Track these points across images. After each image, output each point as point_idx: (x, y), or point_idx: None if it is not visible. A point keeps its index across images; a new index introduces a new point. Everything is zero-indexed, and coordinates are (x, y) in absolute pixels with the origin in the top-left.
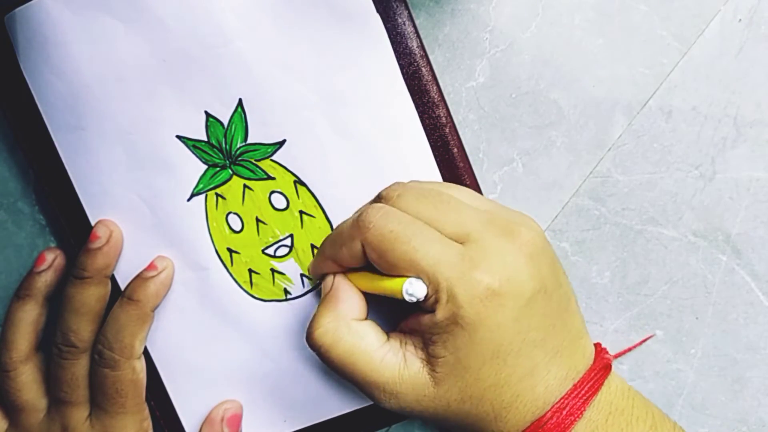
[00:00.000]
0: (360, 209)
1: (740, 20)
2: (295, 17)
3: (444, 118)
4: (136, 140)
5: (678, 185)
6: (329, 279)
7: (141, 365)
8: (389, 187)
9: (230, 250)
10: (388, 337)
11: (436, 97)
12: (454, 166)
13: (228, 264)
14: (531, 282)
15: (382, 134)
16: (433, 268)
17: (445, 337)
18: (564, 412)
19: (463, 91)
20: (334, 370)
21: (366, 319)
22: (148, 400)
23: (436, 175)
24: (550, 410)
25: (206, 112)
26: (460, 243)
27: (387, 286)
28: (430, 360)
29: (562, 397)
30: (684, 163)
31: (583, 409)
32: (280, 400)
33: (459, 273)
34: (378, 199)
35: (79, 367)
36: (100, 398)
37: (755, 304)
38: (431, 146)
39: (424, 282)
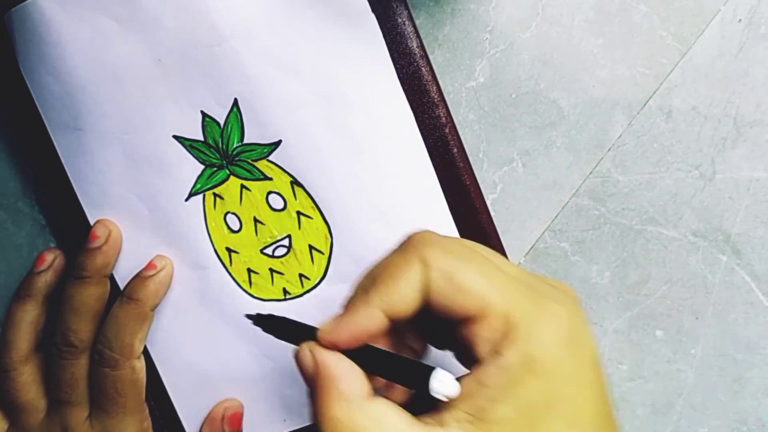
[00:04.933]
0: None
1: (740, 20)
2: (291, 17)
3: (444, 118)
4: (133, 140)
5: (678, 185)
6: (306, 354)
7: (141, 365)
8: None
9: (229, 250)
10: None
11: (435, 97)
12: (454, 166)
13: (227, 263)
14: (592, 343)
15: (378, 134)
16: (507, 298)
17: (516, 391)
18: None
19: (463, 91)
20: None
21: (375, 395)
22: (148, 400)
23: (431, 174)
24: None
25: (202, 112)
26: None
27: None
28: (485, 427)
29: None
30: (684, 163)
31: None
32: (280, 400)
33: (535, 306)
34: None
35: (79, 367)
36: (100, 398)
37: (755, 304)
38: (431, 146)
39: (452, 377)
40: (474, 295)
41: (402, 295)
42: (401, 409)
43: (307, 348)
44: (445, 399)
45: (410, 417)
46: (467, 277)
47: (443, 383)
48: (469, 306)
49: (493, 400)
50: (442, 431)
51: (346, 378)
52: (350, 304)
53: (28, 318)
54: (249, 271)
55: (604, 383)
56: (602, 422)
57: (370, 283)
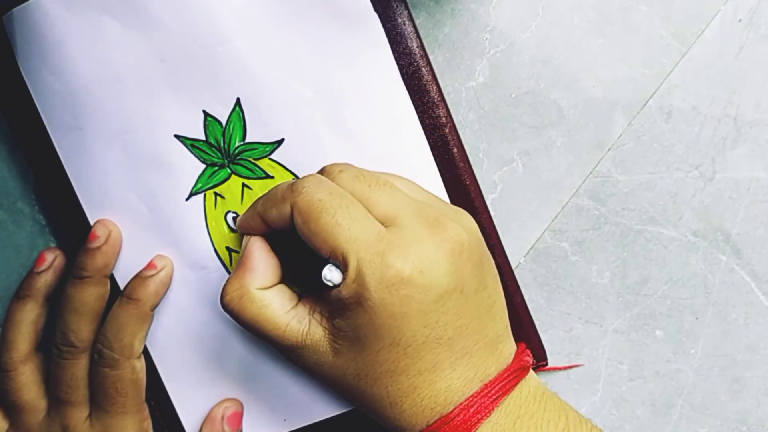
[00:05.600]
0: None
1: (740, 20)
2: (293, 16)
3: (444, 118)
4: (134, 140)
5: (678, 185)
6: (245, 242)
7: (141, 365)
8: (332, 163)
9: (229, 249)
10: (299, 301)
11: (436, 97)
12: (454, 166)
13: (227, 263)
14: (446, 278)
15: (381, 133)
16: (349, 245)
17: (348, 314)
18: (471, 410)
19: (463, 91)
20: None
21: (278, 283)
22: (148, 400)
23: (435, 173)
24: (457, 407)
25: (204, 112)
26: (386, 226)
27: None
28: (333, 331)
29: (471, 395)
30: (684, 163)
31: (491, 408)
32: (279, 400)
33: (372, 254)
34: (321, 172)
35: (79, 367)
36: (100, 398)
37: (755, 304)
38: (431, 146)
39: (340, 269)
40: (321, 239)
41: (272, 216)
42: (290, 299)
43: (249, 238)
44: (331, 284)
45: (293, 305)
46: (318, 225)
47: (331, 272)
48: (318, 248)
49: (335, 314)
50: (306, 317)
51: (256, 270)
52: (251, 205)
53: (28, 318)
54: None
55: (449, 310)
56: (434, 344)
57: (264, 197)
